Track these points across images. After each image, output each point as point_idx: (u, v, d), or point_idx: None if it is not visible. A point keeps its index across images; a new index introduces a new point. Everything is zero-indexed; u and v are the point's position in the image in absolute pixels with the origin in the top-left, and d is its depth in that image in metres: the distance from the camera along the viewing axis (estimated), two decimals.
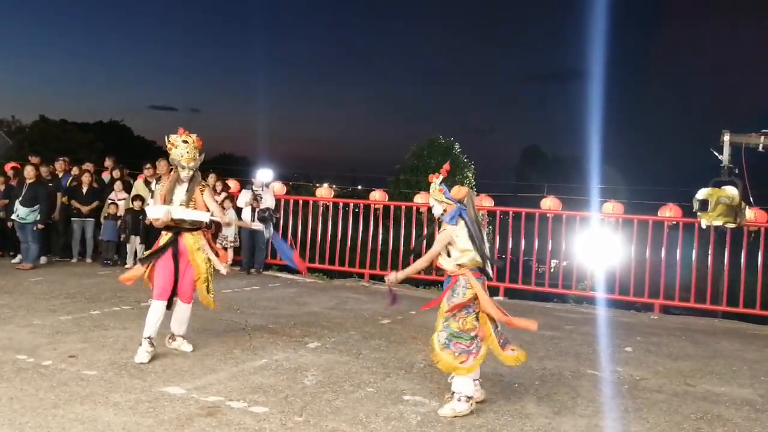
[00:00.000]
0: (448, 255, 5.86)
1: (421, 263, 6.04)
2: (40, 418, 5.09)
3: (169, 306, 7.08)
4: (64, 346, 7.15)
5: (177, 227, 7.07)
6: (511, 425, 5.50)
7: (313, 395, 5.97)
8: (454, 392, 5.69)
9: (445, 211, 5.97)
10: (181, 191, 7.08)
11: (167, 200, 7.03)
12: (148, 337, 6.85)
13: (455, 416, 5.53)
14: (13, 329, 7.79)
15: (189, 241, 7.12)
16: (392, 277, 6.24)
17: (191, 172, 7.08)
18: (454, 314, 5.76)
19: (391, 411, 5.66)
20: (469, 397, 5.65)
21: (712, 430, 5.63)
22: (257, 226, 7.39)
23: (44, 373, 6.17)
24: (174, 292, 7.10)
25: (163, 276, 6.98)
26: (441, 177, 6.05)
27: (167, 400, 5.63)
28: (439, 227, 6.09)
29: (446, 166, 6.20)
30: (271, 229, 7.43)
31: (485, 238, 5.97)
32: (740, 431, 5.66)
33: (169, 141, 7.07)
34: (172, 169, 7.23)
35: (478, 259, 5.79)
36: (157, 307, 6.96)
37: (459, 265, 5.81)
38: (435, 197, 6.04)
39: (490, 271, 6.02)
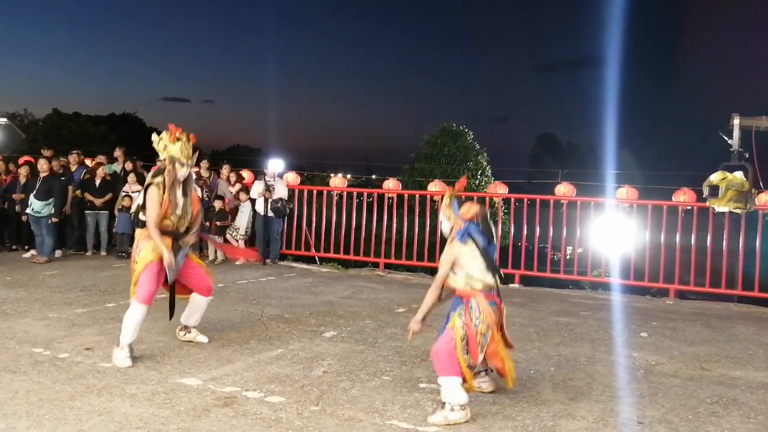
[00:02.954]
0: (455, 272, 5.55)
1: (431, 294, 5.63)
2: (57, 410, 5.12)
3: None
4: (80, 339, 7.19)
5: (175, 232, 6.79)
6: (527, 411, 5.50)
7: (330, 384, 5.98)
8: (443, 402, 5.28)
9: (452, 229, 5.69)
10: (179, 192, 6.75)
11: (171, 203, 6.66)
12: (129, 345, 6.47)
13: (448, 425, 5.16)
14: (30, 322, 7.83)
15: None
16: (414, 325, 5.63)
17: (188, 170, 6.77)
18: (467, 346, 5.39)
19: (408, 399, 5.67)
20: (463, 405, 5.25)
21: (727, 414, 5.61)
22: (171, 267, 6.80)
23: (61, 366, 6.21)
24: (185, 289, 7.09)
25: (150, 282, 6.60)
26: (452, 193, 5.82)
27: (183, 391, 5.65)
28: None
29: (462, 182, 5.95)
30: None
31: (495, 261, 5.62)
32: (756, 415, 5.64)
33: (160, 138, 6.74)
34: (161, 168, 6.86)
35: (489, 281, 5.50)
36: (140, 311, 6.54)
37: (470, 285, 5.50)
38: (444, 213, 5.79)
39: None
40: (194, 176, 7.02)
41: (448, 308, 5.65)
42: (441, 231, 5.96)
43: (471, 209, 5.62)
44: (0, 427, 4.77)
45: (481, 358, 5.46)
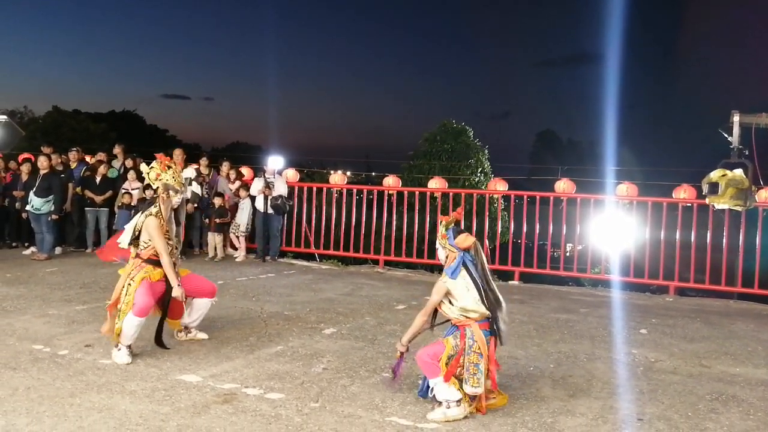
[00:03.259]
0: (450, 303, 5.50)
1: (419, 320, 5.63)
2: (57, 407, 5.13)
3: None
4: (80, 336, 7.20)
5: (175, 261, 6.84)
6: (527, 408, 5.51)
7: (329, 381, 5.99)
8: (440, 401, 5.32)
9: (447, 258, 5.62)
10: (173, 218, 6.90)
11: (169, 233, 6.72)
12: (129, 345, 6.47)
13: (447, 420, 5.20)
14: (30, 319, 7.84)
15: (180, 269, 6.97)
16: (399, 346, 5.74)
17: (181, 197, 6.93)
18: (465, 364, 5.36)
19: (407, 396, 5.68)
20: (459, 401, 5.29)
21: (727, 411, 5.62)
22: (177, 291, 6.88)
23: (61, 363, 6.22)
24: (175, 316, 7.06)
25: (146, 295, 6.53)
26: (447, 221, 5.72)
27: (183, 388, 5.66)
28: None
29: (459, 211, 5.86)
30: None
31: (498, 294, 5.52)
32: (755, 411, 5.65)
33: (151, 168, 6.85)
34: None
35: (484, 311, 5.41)
36: (134, 323, 6.46)
37: (465, 316, 5.44)
38: (439, 242, 5.71)
39: (499, 329, 5.48)
40: (183, 203, 6.99)
41: (442, 334, 5.63)
42: (438, 257, 5.83)
43: (467, 240, 5.57)
44: (0, 423, 4.78)
45: (478, 389, 5.31)
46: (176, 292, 6.69)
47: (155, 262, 6.66)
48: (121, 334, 6.43)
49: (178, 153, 13.36)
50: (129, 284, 6.59)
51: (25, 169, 13.97)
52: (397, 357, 5.83)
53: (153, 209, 6.69)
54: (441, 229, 5.70)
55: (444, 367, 5.31)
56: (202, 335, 7.24)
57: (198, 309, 7.18)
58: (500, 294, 5.52)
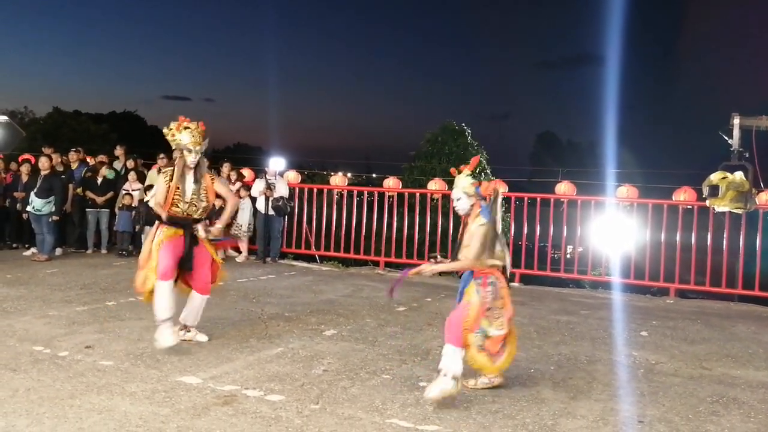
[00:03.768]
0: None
1: (463, 264, 5.80)
2: (57, 408, 5.12)
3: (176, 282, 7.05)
4: (81, 337, 7.19)
5: (186, 219, 6.96)
6: (527, 410, 5.50)
7: (329, 383, 5.98)
8: (440, 369, 5.56)
9: (472, 206, 5.79)
10: (190, 179, 6.95)
11: (179, 190, 6.89)
12: (167, 319, 6.75)
13: (444, 397, 5.43)
14: (30, 320, 7.83)
15: (200, 232, 7.00)
16: (427, 268, 5.89)
17: (198, 157, 6.94)
18: (487, 313, 5.75)
19: (408, 398, 5.67)
20: (457, 377, 5.50)
21: (727, 413, 5.61)
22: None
23: (61, 364, 6.21)
24: (187, 283, 7.14)
25: (166, 257, 6.82)
26: (471, 169, 5.86)
27: (183, 390, 5.65)
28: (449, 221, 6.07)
29: (475, 159, 6.04)
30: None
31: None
32: (756, 414, 5.64)
33: (169, 129, 6.93)
34: (173, 159, 7.11)
35: (507, 260, 5.85)
36: (161, 288, 6.79)
37: (492, 262, 5.75)
38: (466, 191, 5.79)
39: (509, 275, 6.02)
40: (206, 163, 7.10)
41: (460, 285, 5.95)
42: (456, 208, 5.91)
43: (490, 187, 5.80)
44: (0, 425, 4.77)
45: (502, 330, 5.82)
46: (201, 233, 6.95)
47: (172, 222, 6.92)
48: (154, 308, 6.77)
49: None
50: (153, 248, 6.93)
51: (24, 169, 13.99)
52: (410, 274, 6.03)
53: (168, 168, 7.05)
54: (467, 177, 5.80)
55: (472, 335, 5.70)
56: (202, 337, 7.22)
57: (193, 307, 7.17)
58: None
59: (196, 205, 6.96)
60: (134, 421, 4.93)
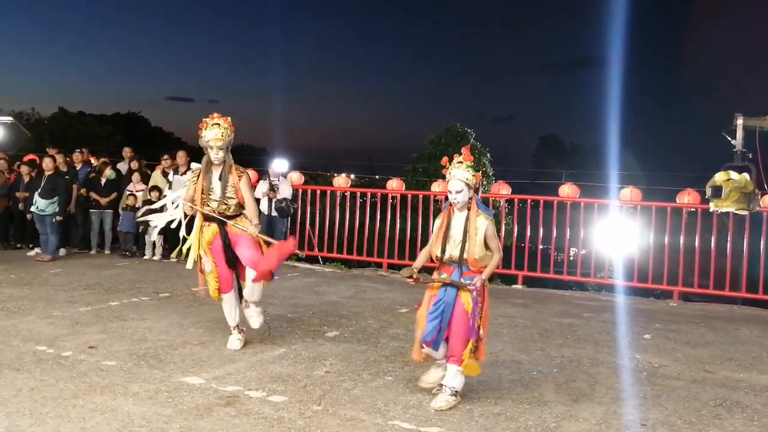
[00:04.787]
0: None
1: (497, 261, 5.69)
2: (60, 408, 5.13)
3: (241, 294, 7.14)
4: (84, 337, 7.20)
5: (218, 218, 6.96)
6: (530, 413, 5.50)
7: (332, 384, 5.98)
8: (444, 385, 5.60)
9: (471, 199, 5.66)
10: (216, 176, 6.96)
11: (206, 189, 6.94)
12: (235, 327, 7.12)
13: (450, 407, 5.46)
14: (33, 320, 7.84)
15: (233, 230, 6.99)
16: (479, 282, 5.58)
17: (221, 153, 6.89)
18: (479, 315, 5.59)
19: (410, 399, 5.67)
20: (459, 391, 5.59)
21: (731, 417, 5.61)
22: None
23: (64, 364, 6.22)
24: (238, 276, 7.17)
25: (219, 270, 6.99)
26: (466, 160, 5.67)
27: (186, 390, 5.66)
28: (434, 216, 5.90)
29: (467, 149, 5.73)
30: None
31: None
32: (759, 417, 5.63)
33: (199, 128, 6.94)
34: (190, 160, 7.16)
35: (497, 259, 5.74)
36: (224, 301, 7.09)
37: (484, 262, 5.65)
38: (469, 182, 5.61)
39: None
40: (231, 161, 7.04)
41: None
42: (455, 201, 5.66)
43: (478, 178, 5.74)
44: (3, 424, 4.78)
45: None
46: (252, 231, 6.98)
47: (210, 218, 7.00)
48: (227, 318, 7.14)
49: (181, 155, 13.34)
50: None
51: (24, 170, 14.03)
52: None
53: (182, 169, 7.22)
54: (470, 168, 5.63)
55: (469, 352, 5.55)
56: (256, 322, 7.23)
57: (253, 288, 7.07)
58: None
59: (226, 203, 6.97)
60: (137, 421, 4.94)
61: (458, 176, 5.60)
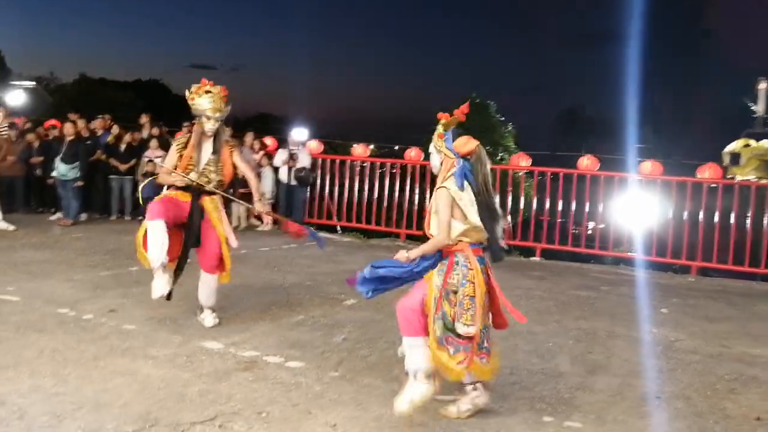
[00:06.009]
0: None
1: (435, 243, 4.70)
2: (81, 369, 5.20)
3: (181, 268, 6.65)
4: (104, 301, 7.27)
5: (198, 189, 6.53)
6: (545, 383, 5.52)
7: (349, 351, 6.03)
8: (407, 371, 4.73)
9: (442, 164, 4.80)
10: (207, 149, 6.59)
11: (194, 159, 6.51)
12: (160, 265, 6.31)
13: (415, 407, 4.62)
14: (55, 284, 7.93)
15: (208, 204, 6.58)
16: (402, 255, 4.82)
17: (216, 124, 6.53)
18: (447, 294, 4.61)
19: None
20: (428, 373, 4.64)
21: (746, 391, 5.61)
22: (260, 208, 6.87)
23: (85, 327, 6.30)
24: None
25: (162, 203, 6.41)
26: (447, 121, 4.81)
27: (205, 355, 5.72)
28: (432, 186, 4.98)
29: (464, 108, 4.87)
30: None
31: (498, 209, 4.82)
32: None
33: (190, 92, 6.52)
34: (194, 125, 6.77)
35: (483, 234, 4.69)
36: (151, 227, 6.31)
37: (458, 238, 4.66)
38: (435, 144, 4.82)
39: (499, 251, 4.78)
40: (227, 133, 6.77)
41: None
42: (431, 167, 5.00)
43: (467, 144, 4.73)
44: (27, 384, 4.85)
45: (471, 328, 4.54)
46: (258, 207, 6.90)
47: (186, 188, 6.53)
48: (147, 254, 6.39)
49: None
50: None
51: (32, 137, 14.35)
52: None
53: (183, 137, 6.73)
54: (439, 129, 4.81)
55: (433, 317, 4.60)
56: (210, 321, 6.65)
57: (209, 289, 6.74)
58: (498, 208, 4.84)
59: (208, 177, 6.56)
60: (156, 383, 5.01)
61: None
